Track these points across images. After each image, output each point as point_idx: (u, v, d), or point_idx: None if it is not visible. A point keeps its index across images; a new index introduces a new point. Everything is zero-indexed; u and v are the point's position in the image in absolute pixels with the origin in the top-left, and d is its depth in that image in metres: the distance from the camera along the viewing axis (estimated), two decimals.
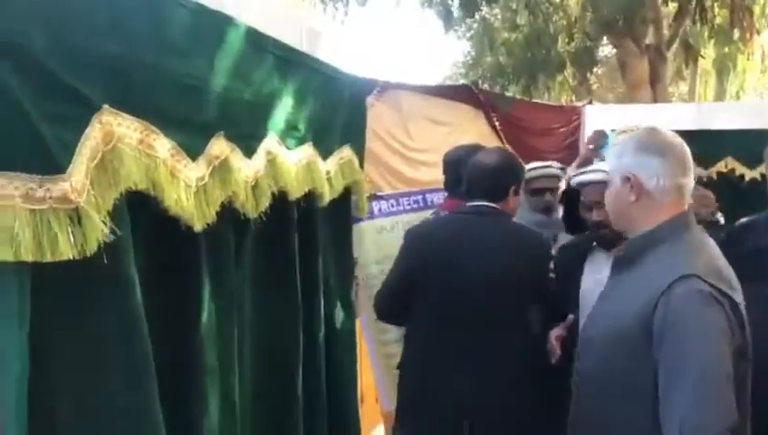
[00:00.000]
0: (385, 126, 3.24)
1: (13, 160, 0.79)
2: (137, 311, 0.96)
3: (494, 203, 2.12)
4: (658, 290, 1.38)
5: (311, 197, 1.71)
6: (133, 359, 0.95)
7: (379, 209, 3.09)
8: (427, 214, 2.82)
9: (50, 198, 0.81)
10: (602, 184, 2.01)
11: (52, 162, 0.81)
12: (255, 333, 1.56)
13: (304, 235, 1.71)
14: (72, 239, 0.83)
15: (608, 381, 1.50)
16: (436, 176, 3.06)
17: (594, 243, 2.14)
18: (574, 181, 2.20)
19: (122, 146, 0.92)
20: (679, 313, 1.36)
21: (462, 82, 8.23)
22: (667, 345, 1.36)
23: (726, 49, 10.82)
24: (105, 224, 0.87)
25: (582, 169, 2.29)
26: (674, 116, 5.45)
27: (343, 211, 1.94)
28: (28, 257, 0.79)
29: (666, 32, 9.05)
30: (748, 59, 10.16)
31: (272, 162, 1.43)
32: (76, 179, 0.83)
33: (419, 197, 3.19)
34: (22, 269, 0.82)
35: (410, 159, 3.56)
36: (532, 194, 2.81)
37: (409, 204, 3.14)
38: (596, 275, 2.01)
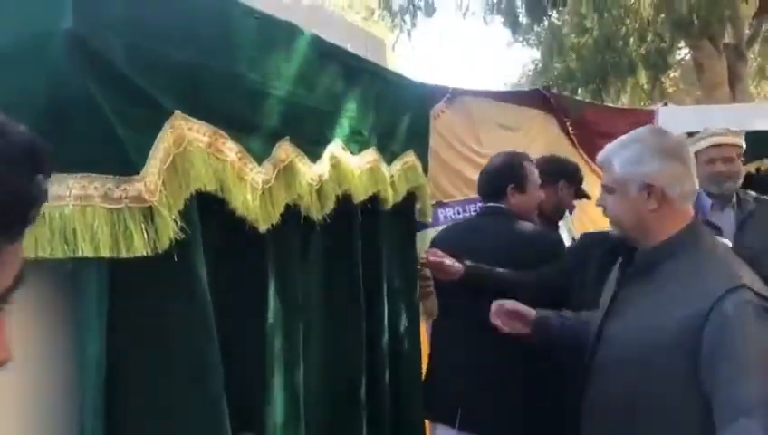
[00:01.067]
0: (455, 133, 3.24)
1: (92, 162, 0.84)
2: (206, 308, 0.99)
3: (498, 202, 2.34)
4: (705, 304, 1.29)
5: (375, 201, 1.73)
6: (202, 354, 0.99)
7: (445, 216, 3.09)
8: None
9: (125, 197, 0.86)
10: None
11: (127, 164, 0.86)
12: (320, 334, 1.58)
13: (368, 238, 1.73)
14: (145, 237, 0.87)
15: (636, 408, 1.41)
16: None
17: None
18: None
19: (192, 149, 0.96)
20: (737, 329, 1.27)
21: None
22: (721, 370, 1.28)
23: None
24: (176, 223, 0.90)
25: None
26: (753, 115, 5.17)
27: (407, 216, 1.95)
28: (106, 253, 0.84)
29: (747, 30, 8.61)
30: None
31: (336, 166, 1.46)
32: (150, 180, 0.88)
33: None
34: (101, 266, 0.87)
35: (480, 165, 3.53)
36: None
37: (475, 210, 3.12)
38: None
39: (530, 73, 12.72)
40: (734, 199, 2.64)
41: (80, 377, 0.90)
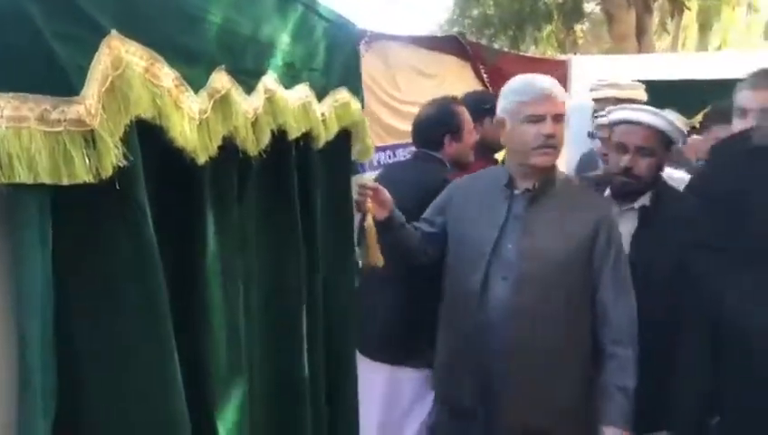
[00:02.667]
0: (373, 77, 3.24)
1: (26, 81, 0.79)
2: (150, 237, 0.98)
3: (434, 151, 2.52)
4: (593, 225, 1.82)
5: (306, 139, 1.72)
6: (150, 285, 0.98)
7: (378, 161, 3.12)
8: None
9: (65, 120, 0.82)
10: (645, 127, 2.08)
11: (66, 84, 0.82)
12: (259, 271, 1.59)
13: (301, 177, 1.73)
14: (87, 162, 0.84)
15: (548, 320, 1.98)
16: None
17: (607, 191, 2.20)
18: (613, 116, 2.25)
19: (131, 72, 0.92)
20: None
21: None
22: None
23: (710, 2, 10.81)
24: (118, 149, 0.87)
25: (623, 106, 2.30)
26: (659, 66, 5.48)
27: (341, 156, 1.95)
28: (47, 179, 0.81)
29: None
30: (733, 10, 10.16)
31: (270, 100, 1.44)
32: (89, 102, 0.84)
33: (413, 148, 3.23)
34: (41, 194, 0.83)
35: (399, 111, 3.57)
36: None
37: (404, 155, 3.17)
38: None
39: (448, 19, 12.74)
40: None
41: (21, 317, 0.86)
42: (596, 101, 3.64)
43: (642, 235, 2.09)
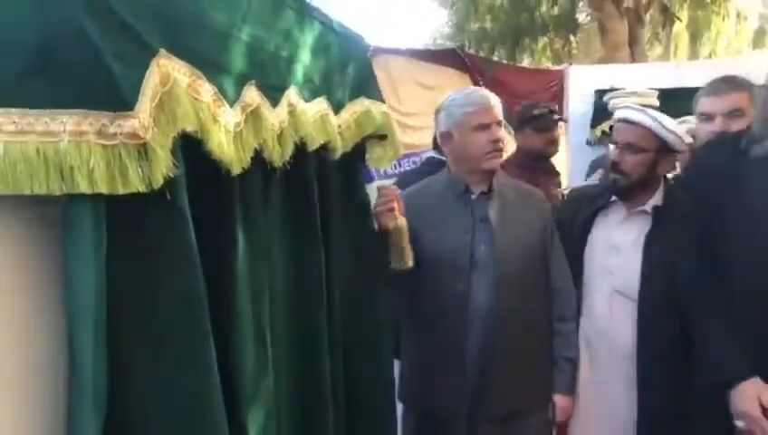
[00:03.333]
0: None
1: (86, 99, 0.85)
2: (193, 243, 1.03)
3: (441, 154, 2.56)
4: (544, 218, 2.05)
5: (325, 149, 1.77)
6: (192, 287, 1.02)
7: (384, 171, 3.18)
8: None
9: (121, 133, 0.87)
10: (633, 125, 2.15)
11: (121, 100, 0.87)
12: (281, 279, 1.63)
13: (321, 187, 1.78)
14: (140, 173, 0.89)
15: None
16: (424, 140, 3.19)
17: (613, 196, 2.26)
18: (615, 116, 2.32)
19: (178, 89, 0.97)
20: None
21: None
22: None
23: (700, 12, 10.98)
24: (168, 160, 0.92)
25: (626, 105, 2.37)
26: (652, 75, 5.58)
27: (355, 168, 2.00)
28: (104, 189, 0.86)
29: None
30: (723, 20, 10.32)
31: (292, 113, 1.49)
32: (143, 117, 0.89)
33: (417, 158, 3.30)
34: (96, 204, 0.88)
35: (400, 123, 3.64)
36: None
37: (409, 165, 3.25)
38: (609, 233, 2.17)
39: (444, 33, 12.90)
40: None
41: (75, 318, 0.91)
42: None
43: (658, 234, 2.13)
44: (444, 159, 2.60)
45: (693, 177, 1.94)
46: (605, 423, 2.16)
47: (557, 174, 3.12)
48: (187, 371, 1.02)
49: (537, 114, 3.05)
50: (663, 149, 2.15)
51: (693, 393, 1.90)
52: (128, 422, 0.96)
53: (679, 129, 2.16)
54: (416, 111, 3.63)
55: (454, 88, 4.47)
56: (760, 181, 1.67)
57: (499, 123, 2.14)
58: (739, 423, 1.66)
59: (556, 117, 3.10)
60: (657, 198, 2.20)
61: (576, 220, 2.26)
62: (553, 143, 3.07)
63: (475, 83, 4.58)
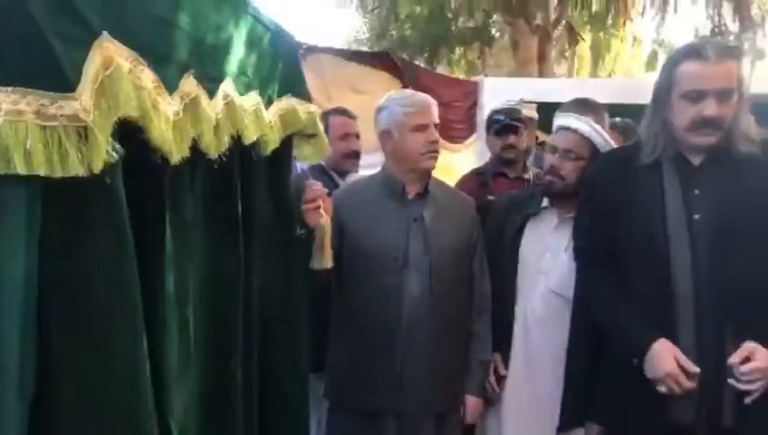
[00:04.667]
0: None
1: (25, 77, 0.81)
2: (127, 228, 1.01)
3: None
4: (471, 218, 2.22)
5: (253, 145, 1.76)
6: (124, 272, 1.00)
7: (302, 169, 3.17)
8: (356, 176, 2.96)
9: (61, 115, 0.84)
10: (573, 132, 2.25)
11: (62, 81, 0.84)
12: (199, 267, 1.60)
13: (245, 181, 1.77)
14: (79, 157, 0.87)
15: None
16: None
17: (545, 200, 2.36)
18: (555, 122, 2.40)
19: (119, 73, 0.95)
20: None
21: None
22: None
23: (602, 34, 11.77)
24: (109, 145, 0.90)
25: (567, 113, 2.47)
26: (560, 90, 5.93)
27: (285, 162, 2.00)
28: (41, 171, 0.83)
29: (552, 15, 9.68)
30: (622, 42, 11.08)
31: (228, 105, 1.48)
32: (84, 99, 0.87)
33: None
34: (30, 186, 0.85)
35: None
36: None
37: None
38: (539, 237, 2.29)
39: (360, 38, 13.00)
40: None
41: (1, 303, 0.87)
42: None
43: None
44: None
45: (590, 183, 2.09)
46: (536, 418, 2.26)
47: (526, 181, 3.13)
48: (119, 358, 1.00)
49: (493, 118, 3.14)
50: (595, 156, 2.28)
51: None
52: (55, 412, 0.93)
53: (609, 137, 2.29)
54: None
55: (384, 92, 4.56)
56: (645, 184, 1.88)
57: (436, 125, 2.21)
58: (661, 389, 1.73)
59: (513, 122, 3.11)
60: None
61: (507, 227, 2.35)
62: (511, 148, 3.07)
63: (405, 87, 4.67)
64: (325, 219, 2.02)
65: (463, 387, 2.27)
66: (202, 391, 1.64)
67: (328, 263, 1.98)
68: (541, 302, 2.27)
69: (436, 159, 2.22)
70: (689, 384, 1.70)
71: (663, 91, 1.85)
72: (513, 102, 4.31)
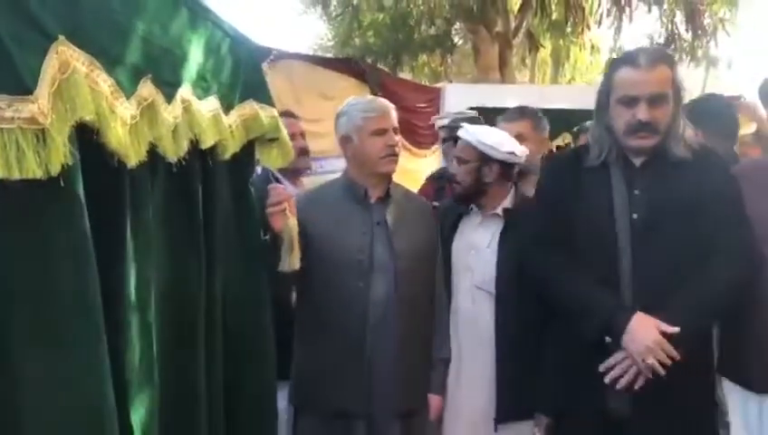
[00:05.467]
0: (276, 95, 3.34)
1: None
2: (87, 230, 1.02)
3: None
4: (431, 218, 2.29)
5: (213, 149, 1.78)
6: (84, 274, 1.02)
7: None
8: (323, 179, 2.99)
9: (18, 118, 0.86)
10: (462, 141, 2.38)
11: (20, 83, 0.86)
12: (159, 271, 1.61)
13: (206, 184, 1.79)
14: (37, 160, 0.89)
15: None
16: (326, 146, 3.28)
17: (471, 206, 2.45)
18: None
19: (76, 76, 0.97)
20: None
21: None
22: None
23: (562, 41, 12.05)
24: (66, 148, 0.92)
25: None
26: (521, 96, 6.08)
27: (244, 167, 2.02)
28: None
29: (513, 23, 9.87)
30: (580, 50, 11.35)
31: (187, 110, 1.50)
32: (42, 102, 0.89)
33: (323, 161, 3.38)
34: None
35: (306, 130, 3.68)
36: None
37: (318, 169, 3.30)
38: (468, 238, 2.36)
39: (324, 45, 13.04)
40: None
41: None
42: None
43: (509, 233, 2.35)
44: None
45: (543, 182, 2.21)
46: (470, 407, 2.34)
47: None
48: (80, 359, 1.01)
49: (440, 126, 3.20)
50: (485, 158, 2.38)
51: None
52: (17, 410, 0.94)
53: (497, 141, 2.38)
54: (317, 117, 3.69)
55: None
56: (592, 184, 1.99)
57: (395, 130, 2.26)
58: (650, 360, 1.75)
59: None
60: (507, 202, 2.44)
61: (444, 226, 2.44)
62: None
63: (373, 93, 4.75)
64: (292, 221, 2.04)
65: (429, 386, 2.32)
66: (166, 394, 1.65)
67: (296, 264, 2.01)
68: (468, 298, 2.36)
69: (395, 162, 2.27)
70: (675, 353, 1.75)
71: (603, 96, 1.96)
72: (462, 113, 4.41)
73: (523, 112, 2.78)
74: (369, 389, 2.15)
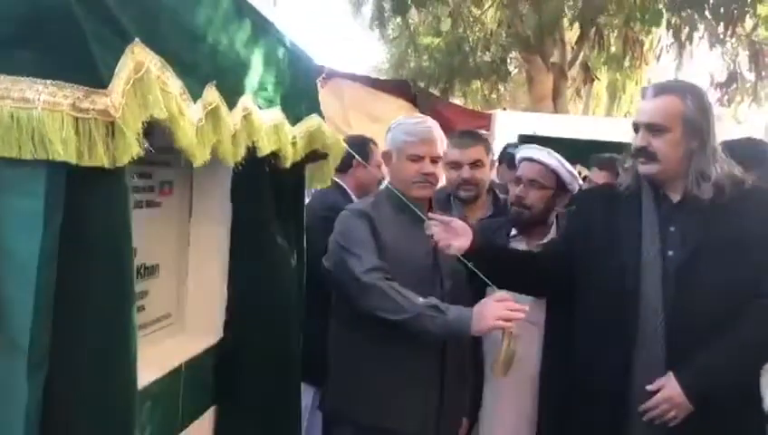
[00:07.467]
0: (326, 113, 3.41)
1: (64, 72, 0.89)
2: (130, 216, 1.08)
3: (341, 174, 2.76)
4: None
5: (274, 158, 1.83)
6: (125, 252, 1.07)
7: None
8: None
9: (93, 109, 0.91)
10: (538, 163, 2.31)
11: (98, 78, 0.92)
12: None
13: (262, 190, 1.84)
14: (106, 149, 0.93)
15: None
16: None
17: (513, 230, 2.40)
18: (518, 154, 2.48)
19: (149, 76, 1.02)
20: None
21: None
22: None
23: (618, 75, 11.90)
24: (137, 142, 0.97)
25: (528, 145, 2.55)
26: (573, 126, 6.00)
27: (300, 177, 2.07)
28: (72, 159, 0.90)
29: (569, 54, 9.82)
30: (637, 84, 11.16)
31: (247, 118, 1.55)
32: (115, 97, 0.94)
33: None
34: (58, 172, 0.92)
35: None
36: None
37: None
38: None
39: (381, 68, 13.26)
40: None
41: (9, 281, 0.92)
42: None
43: None
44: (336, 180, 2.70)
45: (575, 212, 2.20)
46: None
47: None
48: (118, 337, 1.05)
49: (507, 151, 3.18)
50: (561, 187, 2.35)
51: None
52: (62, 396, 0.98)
53: (574, 170, 2.36)
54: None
55: None
56: (623, 213, 1.96)
57: (435, 159, 2.19)
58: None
59: None
60: (552, 233, 2.39)
61: None
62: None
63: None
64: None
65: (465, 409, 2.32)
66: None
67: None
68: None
69: (429, 189, 2.20)
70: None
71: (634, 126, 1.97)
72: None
73: (478, 138, 2.78)
74: (428, 413, 2.12)
